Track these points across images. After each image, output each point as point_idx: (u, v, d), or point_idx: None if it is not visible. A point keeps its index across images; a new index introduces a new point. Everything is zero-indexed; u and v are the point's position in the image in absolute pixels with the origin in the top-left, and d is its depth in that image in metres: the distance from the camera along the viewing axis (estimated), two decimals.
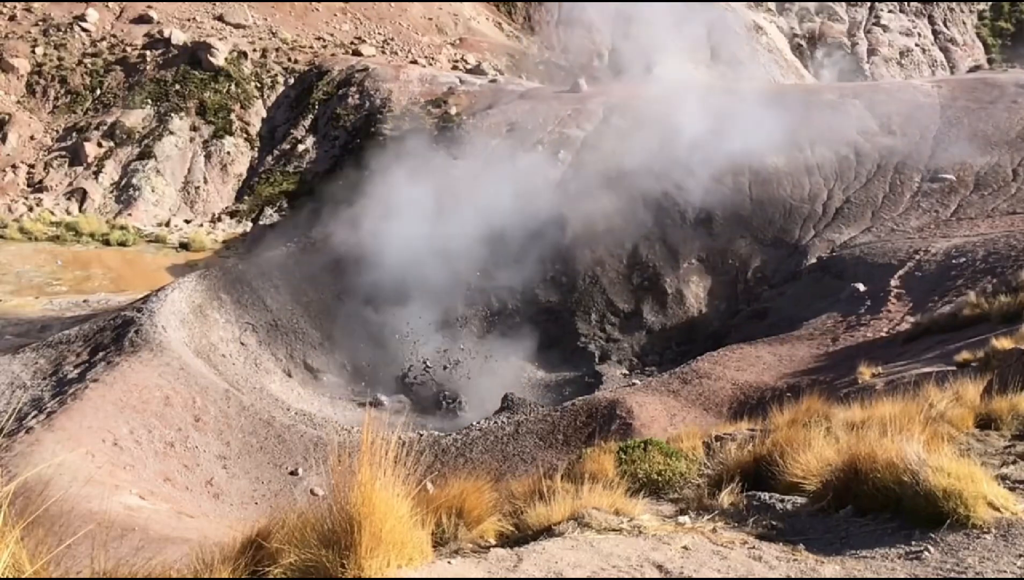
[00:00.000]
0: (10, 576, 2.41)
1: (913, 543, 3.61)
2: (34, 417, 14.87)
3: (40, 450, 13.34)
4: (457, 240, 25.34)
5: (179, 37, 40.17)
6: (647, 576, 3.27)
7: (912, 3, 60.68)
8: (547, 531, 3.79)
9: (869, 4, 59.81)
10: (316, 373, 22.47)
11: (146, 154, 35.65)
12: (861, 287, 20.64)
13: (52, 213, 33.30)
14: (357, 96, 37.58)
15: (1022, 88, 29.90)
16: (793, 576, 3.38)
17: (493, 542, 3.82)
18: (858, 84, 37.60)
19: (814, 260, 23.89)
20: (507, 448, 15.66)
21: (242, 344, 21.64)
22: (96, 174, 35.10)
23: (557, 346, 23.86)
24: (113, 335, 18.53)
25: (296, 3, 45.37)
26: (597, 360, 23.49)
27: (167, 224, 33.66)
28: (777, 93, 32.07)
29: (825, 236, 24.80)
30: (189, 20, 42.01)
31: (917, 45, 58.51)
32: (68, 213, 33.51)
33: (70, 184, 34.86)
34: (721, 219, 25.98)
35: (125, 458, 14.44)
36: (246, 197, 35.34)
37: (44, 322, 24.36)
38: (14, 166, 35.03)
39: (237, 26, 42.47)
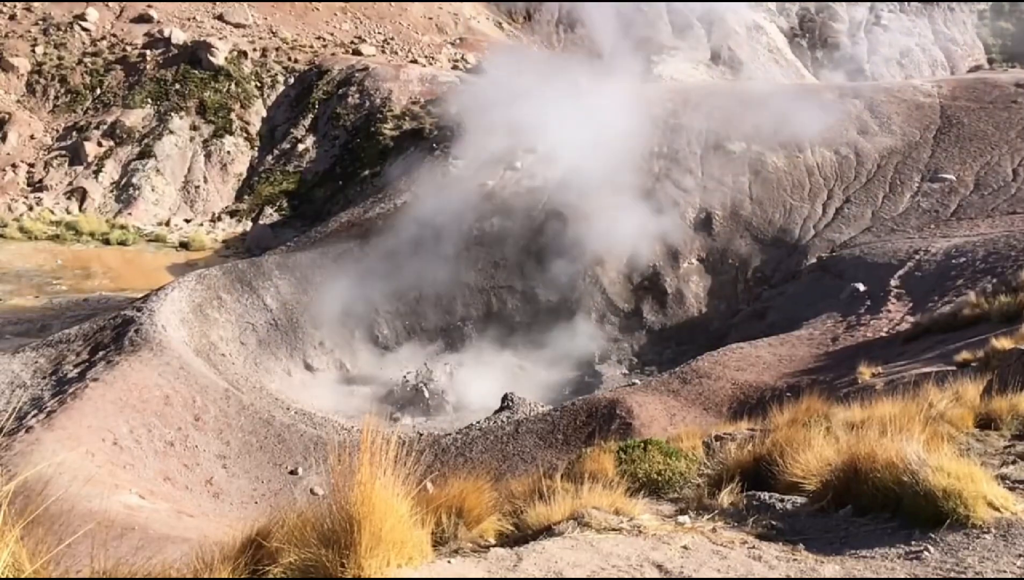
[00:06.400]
0: (10, 575, 2.41)
1: (913, 543, 3.61)
2: (34, 416, 14.86)
3: (40, 449, 13.34)
4: (457, 240, 25.36)
5: (179, 36, 40.17)
6: (647, 576, 3.27)
7: (912, 3, 60.69)
8: (547, 531, 3.79)
9: (869, 4, 59.81)
10: (316, 373, 22.48)
11: (146, 153, 35.65)
12: (861, 287, 20.64)
13: (52, 212, 33.30)
14: (357, 96, 37.58)
15: (1022, 88, 29.90)
16: (793, 576, 3.37)
17: (493, 541, 3.83)
18: (858, 84, 37.58)
19: (814, 260, 23.89)
20: (507, 448, 15.66)
21: (242, 343, 21.64)
22: (96, 173, 35.09)
23: (557, 346, 23.86)
24: (113, 334, 18.53)
25: (296, 3, 45.36)
26: (597, 360, 23.49)
27: (167, 223, 33.66)
28: (777, 92, 32.05)
29: (825, 236, 24.80)
30: (189, 19, 42.01)
31: (917, 45, 58.53)
32: (68, 212, 33.51)
33: (70, 183, 34.85)
34: (721, 219, 25.98)
35: (125, 457, 14.44)
36: (246, 196, 35.35)
37: (44, 321, 24.36)
38: (14, 165, 35.03)
39: (237, 25, 42.47)
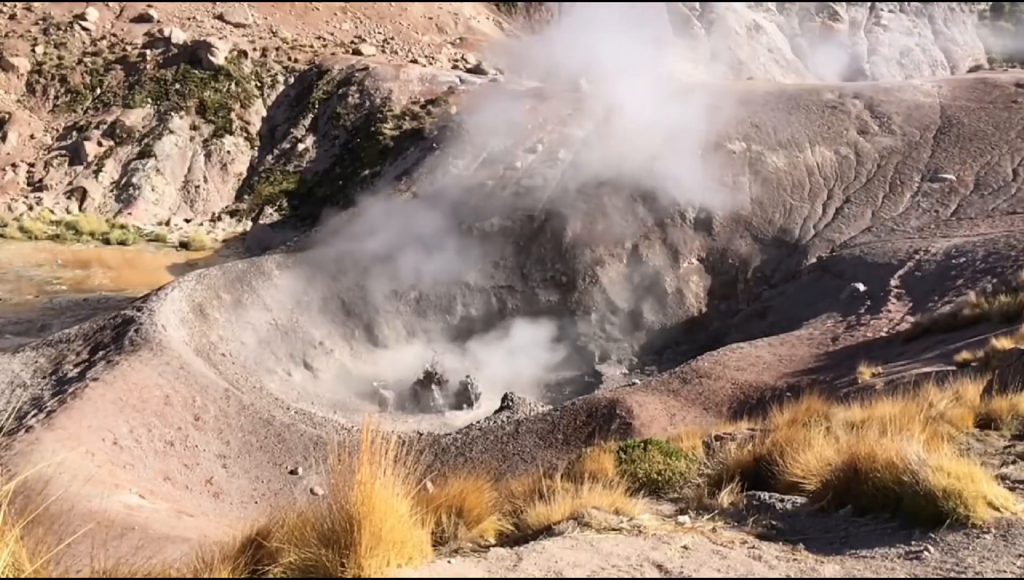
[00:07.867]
0: (10, 575, 2.41)
1: (913, 543, 3.61)
2: (34, 416, 14.86)
3: (40, 449, 13.33)
4: (457, 240, 25.35)
5: (179, 36, 40.17)
6: (647, 576, 3.27)
7: (912, 3, 60.71)
8: (547, 530, 3.79)
9: (869, 4, 59.84)
10: (316, 372, 22.47)
11: (146, 153, 35.66)
12: (861, 287, 20.63)
13: (52, 212, 33.30)
14: (357, 95, 37.58)
15: (1022, 88, 29.89)
16: (793, 576, 3.37)
17: (493, 541, 3.83)
18: (858, 84, 37.58)
19: (814, 260, 23.89)
20: (507, 447, 15.66)
21: (242, 343, 21.63)
22: (96, 173, 35.10)
23: (557, 346, 23.86)
24: (113, 334, 18.53)
25: (296, 2, 45.36)
26: (597, 360, 23.49)
27: (167, 223, 33.66)
28: (777, 92, 32.04)
29: (825, 236, 24.80)
30: (189, 19, 42.02)
31: (917, 45, 58.55)
32: (68, 212, 33.51)
33: (70, 183, 34.85)
34: (721, 219, 25.97)
35: (125, 457, 14.44)
36: (246, 196, 35.35)
37: (44, 321, 24.36)
38: (14, 165, 35.02)
39: (237, 25, 42.47)
